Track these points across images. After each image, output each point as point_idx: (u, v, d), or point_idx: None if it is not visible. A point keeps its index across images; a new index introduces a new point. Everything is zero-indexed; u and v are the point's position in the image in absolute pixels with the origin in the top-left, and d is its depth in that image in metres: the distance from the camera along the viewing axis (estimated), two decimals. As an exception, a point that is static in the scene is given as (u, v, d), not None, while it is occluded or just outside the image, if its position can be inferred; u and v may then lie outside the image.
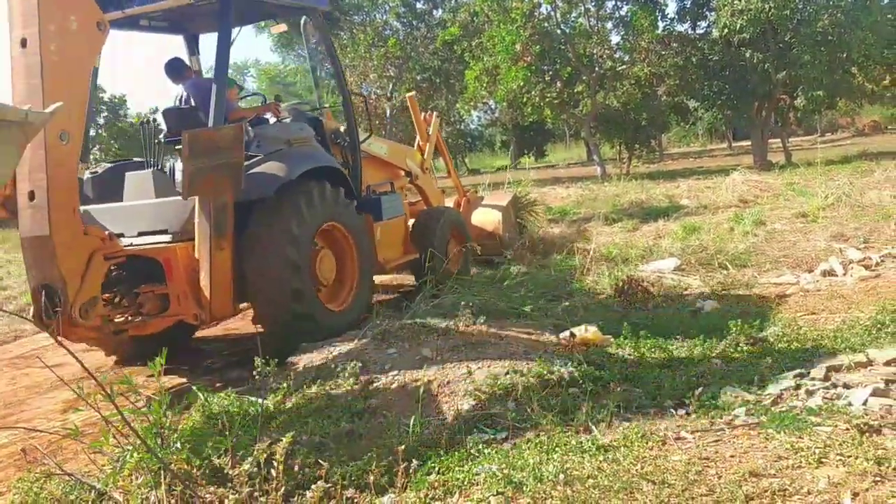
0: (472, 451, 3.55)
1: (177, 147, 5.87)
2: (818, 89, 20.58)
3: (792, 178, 16.73)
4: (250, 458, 3.23)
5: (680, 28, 24.38)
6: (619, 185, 18.67)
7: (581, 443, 3.45)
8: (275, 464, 3.26)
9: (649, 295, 6.42)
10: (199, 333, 6.99)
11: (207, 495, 3.13)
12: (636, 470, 3.08)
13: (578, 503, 2.86)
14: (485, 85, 25.38)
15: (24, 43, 4.53)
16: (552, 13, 24.19)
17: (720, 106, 24.11)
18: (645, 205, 14.81)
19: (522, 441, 3.63)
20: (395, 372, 4.69)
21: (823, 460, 3.03)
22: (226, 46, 5.86)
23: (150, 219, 5.70)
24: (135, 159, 6.59)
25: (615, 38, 25.77)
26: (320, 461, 3.44)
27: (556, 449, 3.41)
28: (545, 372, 4.47)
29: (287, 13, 7.33)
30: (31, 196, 4.58)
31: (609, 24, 25.40)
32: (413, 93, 10.71)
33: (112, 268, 5.20)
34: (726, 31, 20.46)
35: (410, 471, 3.31)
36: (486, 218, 9.43)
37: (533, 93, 24.15)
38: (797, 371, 4.14)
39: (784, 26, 20.38)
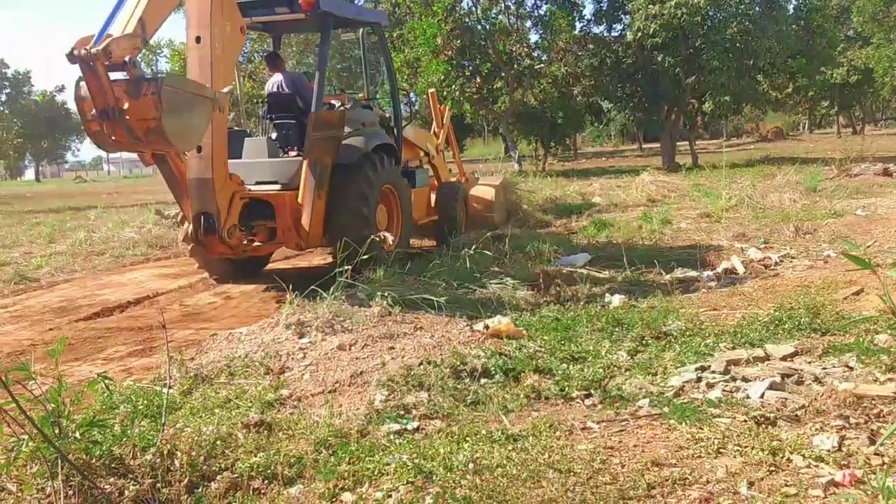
0: (383, 441, 3.53)
1: (277, 122, 8.44)
2: (725, 95, 21.53)
3: (698, 179, 17.46)
4: (153, 449, 3.11)
5: (596, 30, 25.01)
6: (534, 181, 19.00)
7: (491, 433, 3.48)
8: (178, 454, 3.15)
9: (561, 288, 6.55)
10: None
11: (107, 486, 2.99)
12: (543, 459, 3.14)
13: (487, 492, 2.89)
14: (406, 77, 25.32)
15: (198, 40, 6.33)
16: (473, 9, 24.34)
17: (632, 108, 24.87)
18: (559, 201, 15.11)
19: (434, 431, 3.64)
20: (308, 362, 4.62)
21: (722, 451, 3.17)
22: (326, 49, 8.24)
23: (265, 172, 7.81)
24: (235, 129, 8.50)
25: (534, 37, 26.22)
26: (227, 452, 3.36)
27: (467, 439, 3.43)
28: (458, 363, 4.51)
29: (359, 25, 9.46)
30: (199, 149, 6.40)
31: (528, 23, 25.79)
32: (433, 89, 13.09)
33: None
34: (640, 34, 21.13)
35: (319, 461, 3.27)
36: (485, 193, 11.43)
37: (453, 87, 24.26)
38: (699, 364, 4.30)
39: (695, 32, 21.21)
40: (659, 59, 22.09)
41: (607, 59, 24.05)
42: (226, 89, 6.35)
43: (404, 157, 9.27)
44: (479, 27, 24.50)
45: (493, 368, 4.48)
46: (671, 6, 19.93)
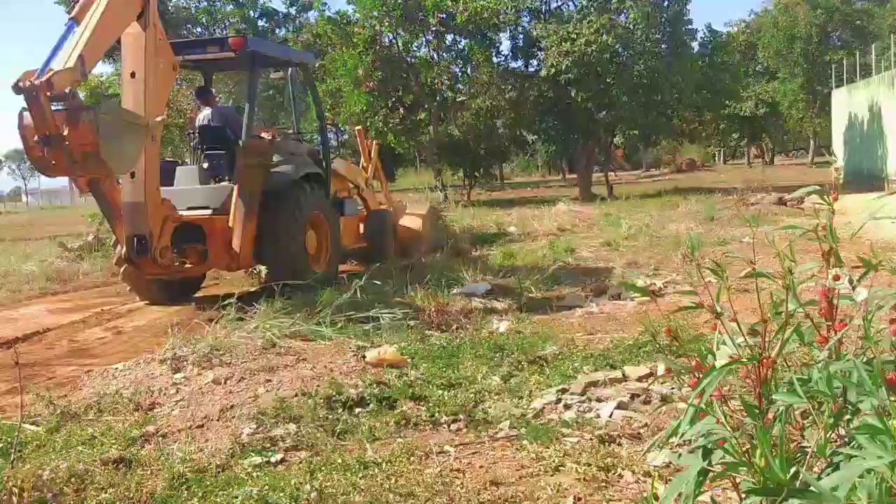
0: (241, 475, 3.56)
1: (208, 152, 8.97)
2: (634, 129, 22.38)
3: (609, 209, 18.05)
4: (-4, 488, 3.07)
5: (515, 65, 25.69)
6: (457, 211, 19.28)
7: (346, 462, 3.56)
8: (23, 492, 3.12)
9: (451, 317, 6.70)
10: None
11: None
12: (389, 484, 3.23)
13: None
14: (329, 107, 25.42)
15: (133, 75, 6.88)
16: (394, 41, 24.68)
17: (550, 140, 25.55)
18: (476, 231, 15.36)
19: (295, 462, 3.69)
20: (180, 397, 4.60)
21: (560, 468, 3.32)
22: (255, 85, 8.98)
23: (196, 198, 8.28)
24: (167, 160, 9.21)
25: (457, 70, 26.73)
26: (79, 490, 3.33)
27: (322, 468, 3.49)
28: (334, 393, 4.57)
29: (287, 65, 10.03)
30: (133, 175, 6.86)
31: (448, 56, 26.30)
32: (360, 126, 14.49)
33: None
34: (553, 70, 21.80)
35: (173, 497, 3.28)
36: (412, 222, 12.05)
37: (376, 118, 24.47)
38: (561, 386, 4.49)
39: (606, 69, 22.02)
40: (573, 94, 22.83)
41: (527, 94, 24.73)
42: (158, 118, 7.01)
43: (334, 188, 9.87)
44: (400, 60, 24.85)
45: (368, 397, 4.56)
46: (581, 44, 20.69)
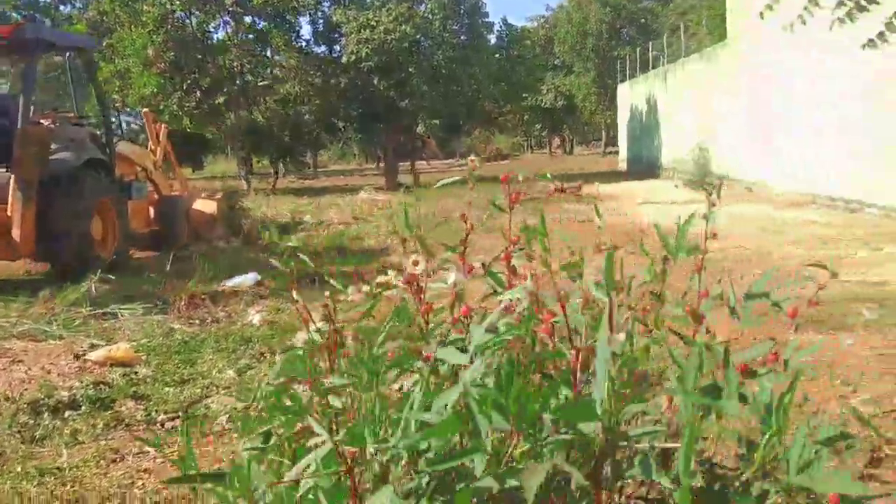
0: None
1: None
2: (435, 118, 22.91)
3: (410, 198, 18.36)
4: None
5: (318, 50, 25.34)
6: (256, 200, 18.73)
7: (28, 469, 3.31)
8: None
9: (207, 310, 6.48)
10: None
11: None
12: (62, 491, 3.04)
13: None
14: (117, 88, 23.70)
15: None
16: (187, 21, 23.45)
17: (356, 129, 25.55)
18: (269, 220, 15.00)
19: (-27, 475, 3.37)
20: None
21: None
22: (31, 71, 8.78)
23: None
24: None
25: (257, 52, 25.88)
26: None
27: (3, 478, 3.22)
28: (42, 397, 4.24)
29: (66, 49, 10.09)
30: None
31: (250, 37, 25.43)
32: (146, 109, 13.81)
33: None
34: (353, 57, 21.77)
35: None
36: (206, 206, 11.81)
37: (170, 101, 23.16)
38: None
39: (406, 58, 22.33)
40: (374, 81, 22.93)
41: (332, 80, 24.50)
42: None
43: (121, 172, 9.88)
44: (195, 41, 23.64)
45: (81, 399, 4.28)
46: (381, 32, 20.81)
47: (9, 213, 7.87)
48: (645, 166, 26.32)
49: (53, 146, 8.34)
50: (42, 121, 8.92)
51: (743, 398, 1.25)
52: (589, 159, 37.69)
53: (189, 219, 11.40)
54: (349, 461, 1.36)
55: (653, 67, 26.58)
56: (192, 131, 26.59)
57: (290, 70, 24.74)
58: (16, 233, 7.85)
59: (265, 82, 25.05)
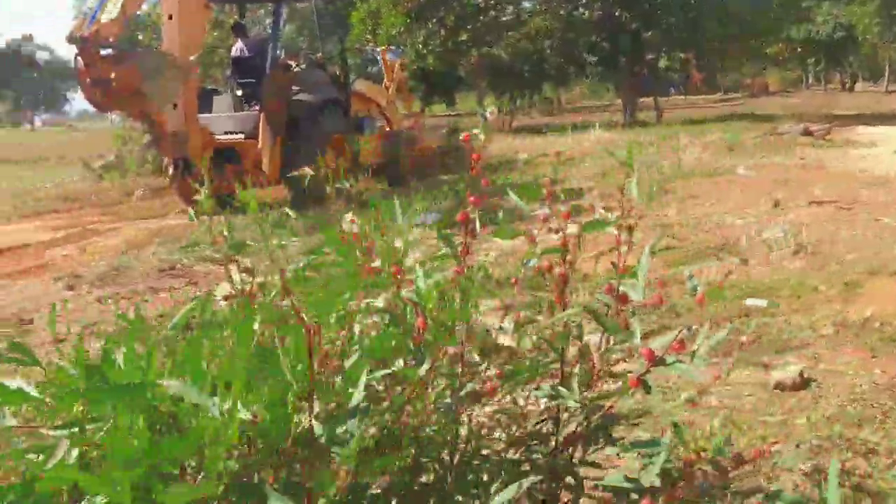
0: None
1: (241, 81, 10.10)
2: (681, 51, 21.30)
3: (638, 136, 17.43)
4: None
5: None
6: (494, 136, 19.03)
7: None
8: None
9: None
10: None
11: None
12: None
13: None
14: (369, 28, 25.14)
15: (170, 17, 7.90)
16: (434, -41, 23.99)
17: (598, 63, 24.67)
18: (488, 157, 15.20)
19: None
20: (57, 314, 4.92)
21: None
22: (279, 18, 10.45)
23: (230, 124, 9.54)
24: (207, 88, 10.55)
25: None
26: None
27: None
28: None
29: None
30: (175, 107, 7.93)
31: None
32: (383, 47, 14.97)
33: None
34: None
35: None
36: (429, 141, 12.76)
37: (415, 39, 24.09)
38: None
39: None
40: (617, 14, 21.83)
41: (576, 12, 23.85)
42: (192, 57, 8.09)
43: (356, 108, 10.74)
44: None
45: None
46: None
47: (259, 147, 9.11)
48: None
49: (296, 88, 9.35)
50: (290, 62, 9.94)
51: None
52: (871, 97, 32.74)
53: (414, 150, 12.03)
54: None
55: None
56: (444, 69, 27.44)
57: (542, 3, 24.47)
58: (265, 164, 9.07)
59: (509, 17, 25.02)
